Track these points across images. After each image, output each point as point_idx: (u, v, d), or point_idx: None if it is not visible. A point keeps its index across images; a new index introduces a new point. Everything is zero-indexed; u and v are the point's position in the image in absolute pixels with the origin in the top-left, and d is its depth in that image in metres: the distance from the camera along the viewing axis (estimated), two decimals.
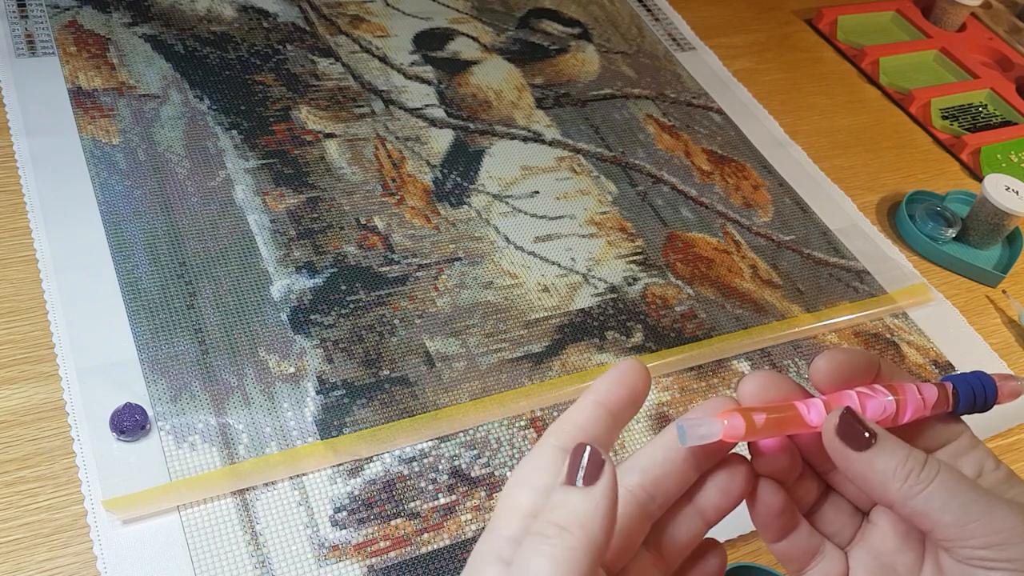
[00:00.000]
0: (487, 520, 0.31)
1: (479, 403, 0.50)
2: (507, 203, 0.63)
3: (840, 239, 0.68)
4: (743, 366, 0.57)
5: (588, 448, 0.24)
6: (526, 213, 0.63)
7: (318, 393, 0.49)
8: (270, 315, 0.52)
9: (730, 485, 0.29)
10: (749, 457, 0.29)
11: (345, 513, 0.45)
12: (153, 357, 0.48)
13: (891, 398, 0.28)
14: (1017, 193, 0.67)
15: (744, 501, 0.29)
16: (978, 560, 0.26)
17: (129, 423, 0.44)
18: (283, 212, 0.58)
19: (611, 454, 0.26)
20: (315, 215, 0.58)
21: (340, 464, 0.46)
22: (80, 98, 0.61)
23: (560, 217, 0.63)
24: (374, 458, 0.47)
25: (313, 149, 0.62)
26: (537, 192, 0.64)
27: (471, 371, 0.52)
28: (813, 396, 0.29)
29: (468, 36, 0.76)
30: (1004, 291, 0.68)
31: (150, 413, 0.46)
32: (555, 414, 0.51)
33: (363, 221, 0.59)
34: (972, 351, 0.63)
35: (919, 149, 0.81)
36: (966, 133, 0.82)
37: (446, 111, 0.69)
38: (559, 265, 0.60)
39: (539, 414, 0.51)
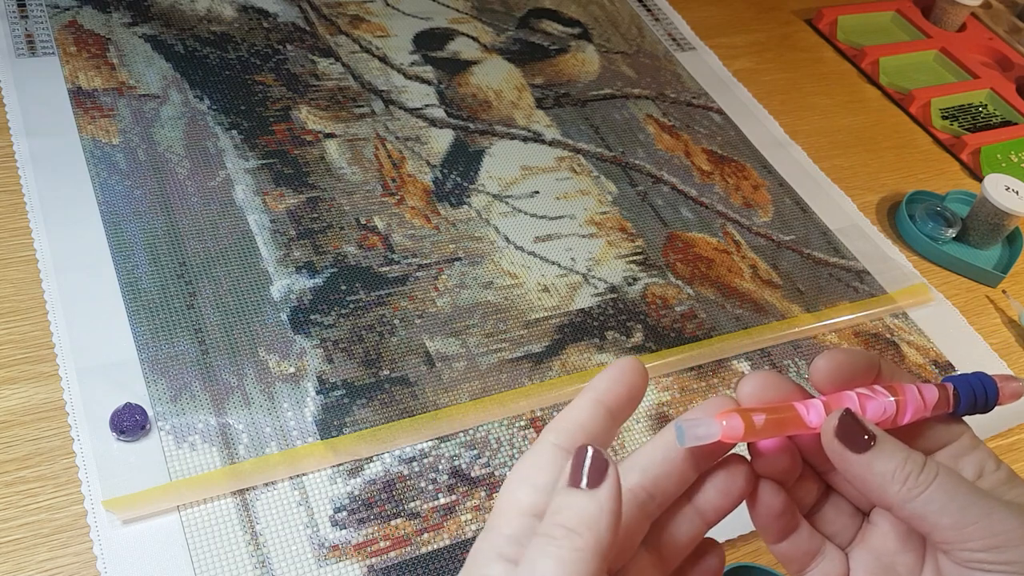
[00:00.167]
0: (486, 520, 0.31)
1: (479, 403, 0.50)
2: (507, 203, 0.63)
3: (840, 239, 0.68)
4: (743, 366, 0.57)
5: (591, 449, 0.24)
6: (526, 213, 0.63)
7: (318, 393, 0.49)
8: (270, 315, 0.52)
9: (730, 486, 0.29)
10: (749, 458, 0.29)
11: (345, 513, 0.45)
12: (153, 357, 0.48)
13: (891, 399, 0.28)
14: (1017, 193, 0.67)
15: (744, 502, 0.29)
16: (977, 563, 0.26)
17: (129, 423, 0.44)
18: (283, 212, 0.58)
19: (610, 453, 0.26)
20: (315, 215, 0.58)
21: (340, 464, 0.46)
22: (80, 98, 0.61)
23: (560, 217, 0.63)
24: (374, 458, 0.47)
25: (313, 149, 0.62)
26: (537, 192, 0.64)
27: (471, 371, 0.52)
28: (813, 397, 0.29)
29: (468, 36, 0.76)
30: (1004, 291, 0.68)
31: (150, 413, 0.46)
32: (555, 414, 0.51)
33: (363, 221, 0.59)
34: (972, 351, 0.63)
35: (919, 149, 0.81)
36: (966, 133, 0.82)
37: (446, 111, 0.69)
38: (559, 265, 0.60)
39: (539, 414, 0.51)
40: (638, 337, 0.57)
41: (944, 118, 0.84)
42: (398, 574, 0.43)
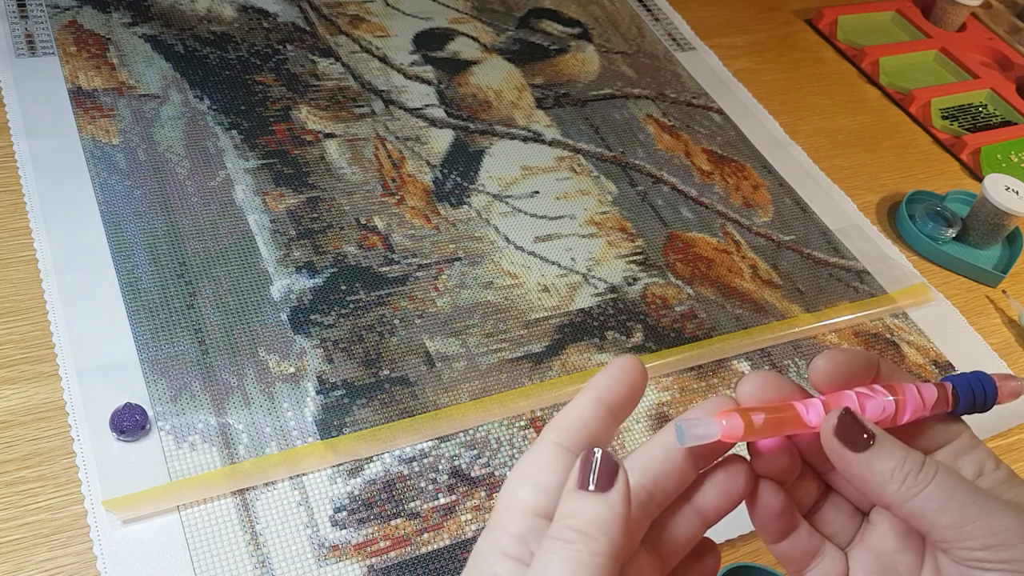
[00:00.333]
0: (487, 520, 0.31)
1: (479, 403, 0.50)
2: (507, 203, 0.63)
3: (840, 239, 0.68)
4: (743, 366, 0.57)
5: (599, 451, 0.24)
6: (526, 213, 0.63)
7: (318, 393, 0.49)
8: (270, 315, 0.52)
9: (729, 486, 0.29)
10: (748, 458, 0.29)
11: (345, 513, 0.45)
12: (153, 357, 0.48)
13: (890, 398, 0.28)
14: (1017, 193, 0.67)
15: (744, 502, 0.29)
16: (976, 562, 0.26)
17: (129, 423, 0.44)
18: (283, 212, 0.58)
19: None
20: (315, 215, 0.58)
21: (340, 464, 0.46)
22: (80, 98, 0.61)
23: (560, 217, 0.63)
24: (374, 458, 0.47)
25: (313, 149, 0.62)
26: (537, 192, 0.64)
27: (471, 371, 0.52)
28: (812, 396, 0.29)
29: (468, 36, 0.76)
30: (1004, 291, 0.68)
31: (150, 413, 0.46)
32: (555, 414, 0.51)
33: (363, 221, 0.59)
34: (972, 351, 0.63)
35: (919, 149, 0.81)
36: (966, 133, 0.82)
37: (446, 111, 0.69)
38: (559, 265, 0.60)
39: (539, 414, 0.51)
40: (638, 337, 0.57)
41: (944, 118, 0.84)
42: (398, 574, 0.43)
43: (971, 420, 0.30)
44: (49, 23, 0.66)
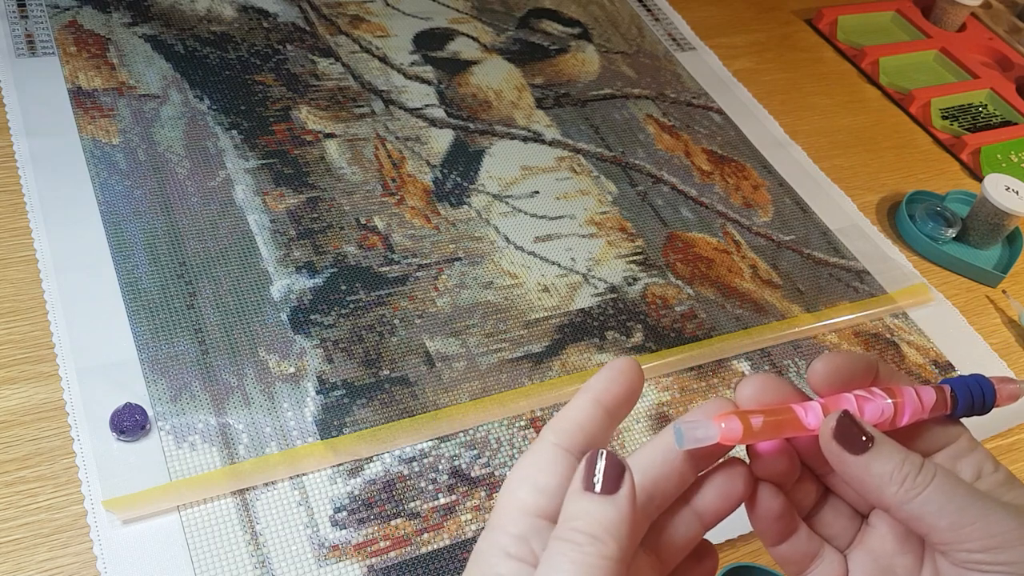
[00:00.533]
0: (487, 520, 0.31)
1: (479, 403, 0.51)
2: (507, 203, 0.63)
3: (840, 239, 0.68)
4: (743, 366, 0.57)
5: (605, 452, 0.24)
6: (526, 213, 0.63)
7: (318, 393, 0.49)
8: (270, 315, 0.52)
9: (728, 488, 0.29)
10: (747, 460, 0.29)
11: (345, 513, 0.45)
12: (153, 357, 0.48)
13: (889, 401, 0.28)
14: (1017, 193, 0.67)
15: (743, 504, 0.29)
16: (974, 564, 0.26)
17: (129, 423, 0.44)
18: (283, 212, 0.58)
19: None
20: (315, 215, 0.58)
21: (340, 464, 0.46)
22: (80, 98, 0.61)
23: (560, 217, 0.63)
24: (374, 458, 0.47)
25: (313, 149, 0.62)
26: (537, 192, 0.64)
27: (471, 371, 0.52)
28: (811, 399, 0.29)
29: (468, 36, 0.76)
30: (1004, 291, 0.68)
31: (150, 413, 0.46)
32: (555, 414, 0.51)
33: (363, 221, 0.59)
34: (972, 351, 0.63)
35: (919, 149, 0.81)
36: (966, 133, 0.82)
37: (446, 111, 0.69)
38: (559, 265, 0.60)
39: (539, 414, 0.51)
40: (638, 337, 0.57)
41: (944, 118, 0.84)
42: (398, 574, 0.43)
43: (970, 420, 0.30)
44: (49, 23, 0.66)
